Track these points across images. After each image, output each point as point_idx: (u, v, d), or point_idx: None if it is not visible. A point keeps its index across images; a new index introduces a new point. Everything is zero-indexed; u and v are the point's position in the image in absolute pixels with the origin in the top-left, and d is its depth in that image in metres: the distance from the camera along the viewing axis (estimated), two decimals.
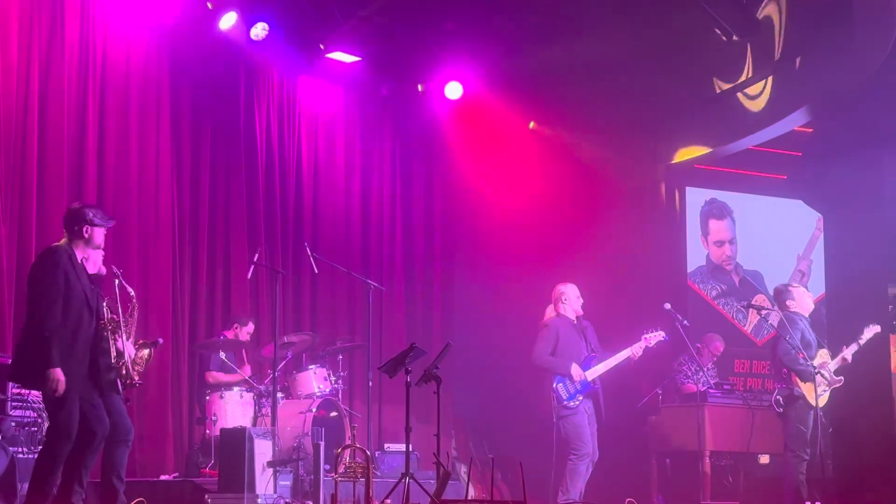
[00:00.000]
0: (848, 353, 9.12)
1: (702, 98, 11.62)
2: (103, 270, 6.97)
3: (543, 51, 11.62)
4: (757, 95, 11.16)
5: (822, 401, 9.03)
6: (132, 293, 6.88)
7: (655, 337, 9.33)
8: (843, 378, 9.11)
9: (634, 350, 9.25)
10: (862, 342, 9.20)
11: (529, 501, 7.33)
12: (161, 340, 7.26)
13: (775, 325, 9.12)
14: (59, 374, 6.36)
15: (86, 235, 6.69)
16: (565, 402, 9.12)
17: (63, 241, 6.71)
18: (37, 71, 9.44)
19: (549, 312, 9.48)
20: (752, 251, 13.23)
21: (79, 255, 6.67)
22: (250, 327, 10.05)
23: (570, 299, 9.41)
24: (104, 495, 6.76)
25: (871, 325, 9.28)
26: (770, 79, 10.96)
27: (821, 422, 9.02)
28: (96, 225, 6.72)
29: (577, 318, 9.42)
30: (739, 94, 11.30)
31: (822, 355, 9.06)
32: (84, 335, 6.56)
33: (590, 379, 9.17)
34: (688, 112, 11.81)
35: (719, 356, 11.54)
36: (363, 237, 12.11)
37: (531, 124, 12.57)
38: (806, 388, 8.87)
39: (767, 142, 11.84)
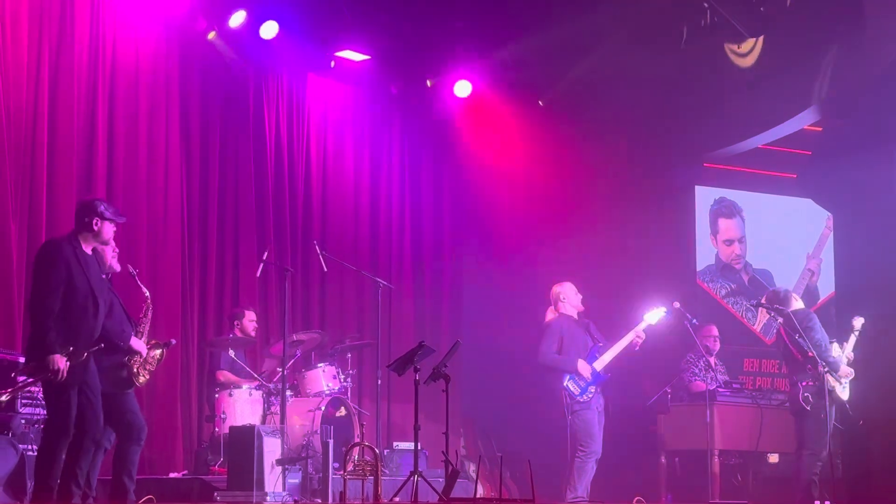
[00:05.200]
0: (849, 349, 9.19)
1: (712, 95, 11.60)
2: (117, 267, 6.97)
3: (552, 49, 11.61)
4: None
5: (845, 395, 9.12)
6: (147, 294, 6.90)
7: (656, 314, 9.33)
8: (852, 370, 9.18)
9: (638, 331, 9.25)
10: (857, 333, 9.29)
11: (538, 499, 7.33)
12: (174, 341, 7.27)
13: (797, 320, 9.09)
14: (58, 360, 6.25)
15: (95, 228, 6.62)
16: (577, 398, 9.13)
17: (69, 233, 6.67)
18: (47, 67, 9.45)
19: (550, 314, 9.50)
20: (761, 250, 13.20)
21: (86, 248, 6.60)
22: (249, 316, 9.98)
23: (568, 297, 9.43)
24: (114, 493, 6.77)
25: (856, 317, 9.39)
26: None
27: (849, 414, 9.10)
28: (106, 219, 6.65)
29: (578, 315, 9.44)
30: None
31: (835, 349, 9.13)
32: (88, 329, 6.45)
33: (599, 369, 9.18)
34: (700, 110, 11.78)
35: (718, 343, 11.28)
36: (372, 235, 12.12)
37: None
38: (833, 382, 8.96)
39: (777, 140, 11.82)
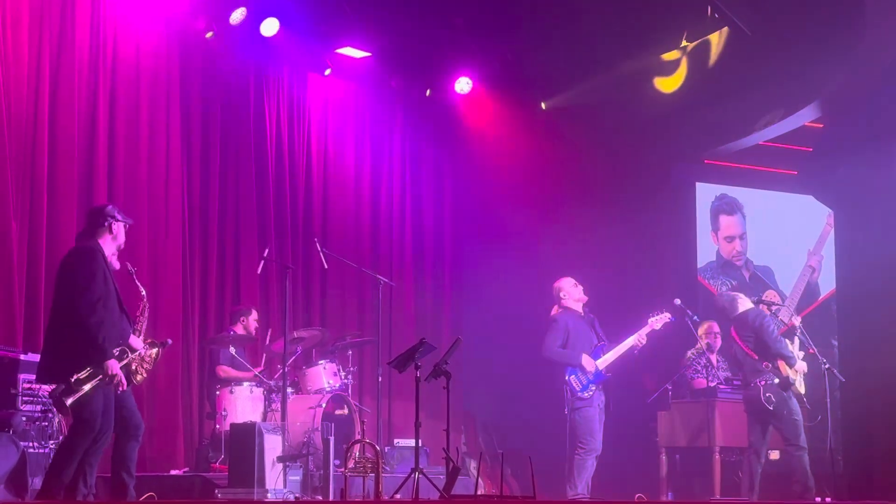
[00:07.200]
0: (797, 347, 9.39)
1: (712, 92, 11.60)
2: (116, 265, 7.02)
3: (553, 45, 11.61)
4: None
5: (802, 389, 9.25)
6: (143, 293, 6.96)
7: (661, 319, 9.35)
8: (805, 364, 9.41)
9: (641, 334, 9.27)
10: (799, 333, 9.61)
11: (539, 496, 7.33)
12: (170, 341, 7.31)
13: (750, 319, 9.33)
14: (115, 365, 6.51)
15: (114, 231, 6.83)
16: (579, 394, 9.14)
17: (90, 238, 6.81)
18: (47, 66, 9.44)
19: (555, 310, 9.52)
20: (762, 247, 13.20)
21: (107, 252, 6.78)
22: (255, 315, 10.02)
23: (568, 292, 9.45)
24: (114, 490, 6.78)
25: (794, 316, 9.79)
26: None
27: (806, 409, 9.19)
28: (119, 220, 6.88)
29: (583, 308, 9.45)
30: None
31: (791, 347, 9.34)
32: (120, 332, 6.68)
33: (601, 368, 9.20)
34: (699, 107, 11.78)
35: (720, 340, 11.29)
36: (373, 232, 12.12)
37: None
38: (793, 375, 9.09)
39: (778, 137, 11.82)
